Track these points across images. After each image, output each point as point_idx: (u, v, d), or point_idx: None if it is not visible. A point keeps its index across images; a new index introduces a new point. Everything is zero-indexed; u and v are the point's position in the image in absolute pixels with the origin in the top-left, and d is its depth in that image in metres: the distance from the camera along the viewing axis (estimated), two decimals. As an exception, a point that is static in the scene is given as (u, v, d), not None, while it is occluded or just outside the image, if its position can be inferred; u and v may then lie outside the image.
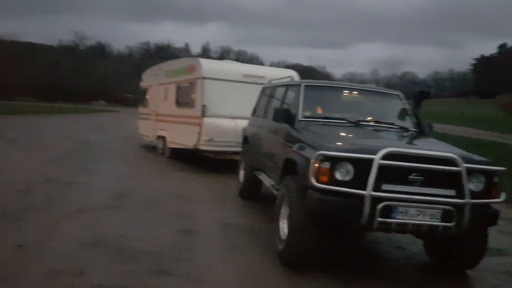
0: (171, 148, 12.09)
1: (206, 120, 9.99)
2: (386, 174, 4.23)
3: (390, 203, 4.19)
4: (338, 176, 4.28)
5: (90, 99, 66.47)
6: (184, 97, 11.35)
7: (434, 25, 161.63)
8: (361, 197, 4.17)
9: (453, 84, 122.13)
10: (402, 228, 4.33)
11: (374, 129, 5.50)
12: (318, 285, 4.36)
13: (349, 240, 6.00)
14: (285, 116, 5.74)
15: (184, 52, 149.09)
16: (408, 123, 5.98)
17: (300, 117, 5.63)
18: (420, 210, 4.26)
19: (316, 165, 4.27)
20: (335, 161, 4.26)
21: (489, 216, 4.60)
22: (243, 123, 9.86)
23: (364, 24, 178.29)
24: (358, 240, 6.06)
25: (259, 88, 10.29)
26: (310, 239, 4.52)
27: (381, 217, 4.18)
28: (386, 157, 4.19)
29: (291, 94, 6.34)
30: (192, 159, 11.72)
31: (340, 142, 4.62)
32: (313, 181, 4.27)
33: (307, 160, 4.42)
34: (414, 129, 5.87)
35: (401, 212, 4.24)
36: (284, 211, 5.06)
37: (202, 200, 7.63)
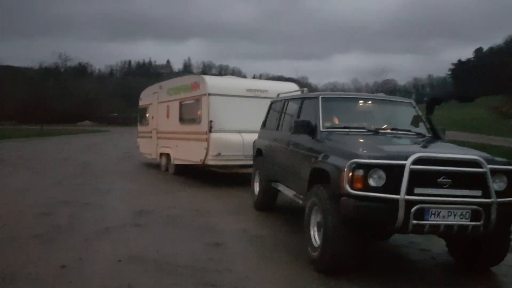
0: (176, 164, 12.21)
1: (213, 135, 10.16)
2: (417, 178, 4.42)
3: (423, 205, 4.38)
4: (371, 182, 4.45)
5: (75, 120, 66.16)
6: (189, 113, 11.52)
7: (409, 33, 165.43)
8: (395, 201, 4.35)
9: (433, 90, 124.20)
10: (435, 230, 4.51)
11: (394, 137, 5.74)
12: (359, 288, 4.53)
13: (374, 245, 6.18)
14: (306, 127, 5.93)
15: (166, 69, 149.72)
16: (422, 129, 6.22)
17: (321, 128, 5.82)
18: (450, 211, 4.45)
19: (350, 173, 4.46)
20: (368, 168, 4.44)
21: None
22: (249, 137, 10.09)
23: (342, 35, 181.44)
24: (382, 244, 6.24)
25: (262, 102, 10.58)
26: (345, 245, 4.69)
27: (415, 219, 4.37)
28: (416, 162, 4.39)
29: (307, 106, 6.53)
30: (198, 175, 11.88)
31: (370, 150, 4.80)
32: (348, 188, 4.45)
33: (340, 169, 4.60)
34: (429, 135, 6.13)
35: (433, 214, 4.43)
36: (315, 219, 5.24)
37: (220, 213, 7.76)
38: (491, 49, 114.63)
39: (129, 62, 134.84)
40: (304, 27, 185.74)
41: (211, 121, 10.18)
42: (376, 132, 5.85)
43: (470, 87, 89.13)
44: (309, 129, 5.91)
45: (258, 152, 8.26)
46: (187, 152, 11.32)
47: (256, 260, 5.38)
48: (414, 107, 6.52)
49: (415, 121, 6.33)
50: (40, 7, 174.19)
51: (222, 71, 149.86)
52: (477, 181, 4.55)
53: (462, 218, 4.48)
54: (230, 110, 10.41)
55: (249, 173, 11.43)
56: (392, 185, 4.40)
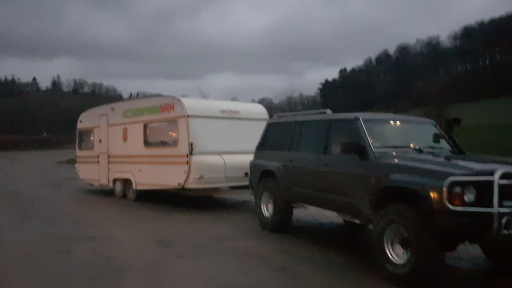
0: (138, 190, 11.59)
1: (195, 158, 9.86)
2: (502, 191, 4.88)
3: (511, 217, 4.85)
4: (466, 198, 4.82)
5: None
6: (159, 136, 11.05)
7: (276, 56, 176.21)
8: (489, 214, 4.75)
9: (304, 107, 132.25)
10: None
11: (444, 154, 6.18)
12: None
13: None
14: (356, 148, 6.13)
15: (32, 86, 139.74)
16: (448, 145, 6.80)
17: (372, 148, 6.07)
18: (527, 220, 4.98)
19: (449, 190, 4.76)
20: (463, 185, 4.81)
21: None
22: (230, 158, 10.06)
23: (214, 56, 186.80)
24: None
25: (236, 123, 10.64)
26: (437, 259, 5.02)
27: (505, 229, 4.81)
28: (502, 176, 4.85)
29: (342, 127, 6.76)
30: (164, 200, 11.43)
31: (457, 168, 5.16)
32: (448, 205, 4.76)
33: (436, 187, 4.87)
34: (457, 151, 6.72)
35: (516, 223, 4.92)
36: (390, 237, 5.44)
37: (241, 238, 7.57)
38: (353, 70, 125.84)
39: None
40: (178, 48, 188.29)
41: (191, 143, 9.89)
42: (420, 150, 6.27)
43: (336, 103, 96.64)
44: (359, 150, 6.11)
45: (266, 174, 8.22)
46: (158, 176, 10.81)
47: (335, 280, 5.39)
48: (435, 126, 7.08)
49: (441, 139, 6.87)
50: None
51: (96, 89, 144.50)
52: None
53: None
54: (208, 131, 10.22)
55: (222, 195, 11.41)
56: (482, 199, 4.79)
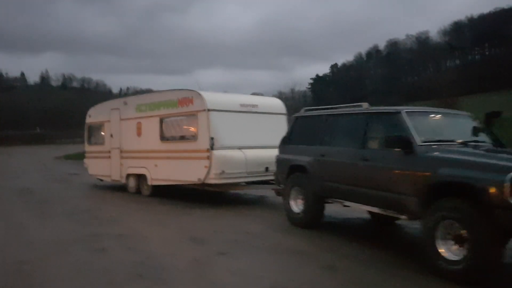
0: (153, 185, 11.37)
1: (216, 152, 9.68)
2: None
3: None
4: (525, 193, 4.71)
5: None
6: (176, 131, 10.85)
7: (264, 51, 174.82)
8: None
9: (295, 102, 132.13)
10: None
11: (490, 148, 6.07)
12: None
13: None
14: (400, 142, 5.98)
15: (20, 81, 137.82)
16: (488, 139, 6.68)
17: (418, 142, 5.91)
18: None
19: (510, 185, 4.65)
20: (523, 180, 4.70)
21: None
22: (251, 153, 9.89)
23: (203, 51, 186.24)
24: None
25: (255, 117, 10.47)
26: (496, 255, 4.90)
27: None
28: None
29: (383, 121, 6.61)
30: (180, 195, 11.23)
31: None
32: (510, 200, 4.63)
33: (496, 182, 4.73)
34: (497, 144, 6.61)
35: None
36: (440, 233, 5.30)
37: (273, 234, 7.39)
38: (344, 65, 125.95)
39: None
40: (167, 43, 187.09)
41: (212, 138, 9.70)
42: (465, 144, 6.12)
43: (327, 98, 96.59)
44: (404, 144, 5.96)
45: (295, 169, 8.04)
46: (175, 172, 10.60)
47: (387, 277, 5.25)
48: (473, 120, 6.96)
49: (480, 132, 6.75)
50: None
51: (85, 84, 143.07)
52: None
53: None
54: (228, 126, 10.05)
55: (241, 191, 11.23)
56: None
